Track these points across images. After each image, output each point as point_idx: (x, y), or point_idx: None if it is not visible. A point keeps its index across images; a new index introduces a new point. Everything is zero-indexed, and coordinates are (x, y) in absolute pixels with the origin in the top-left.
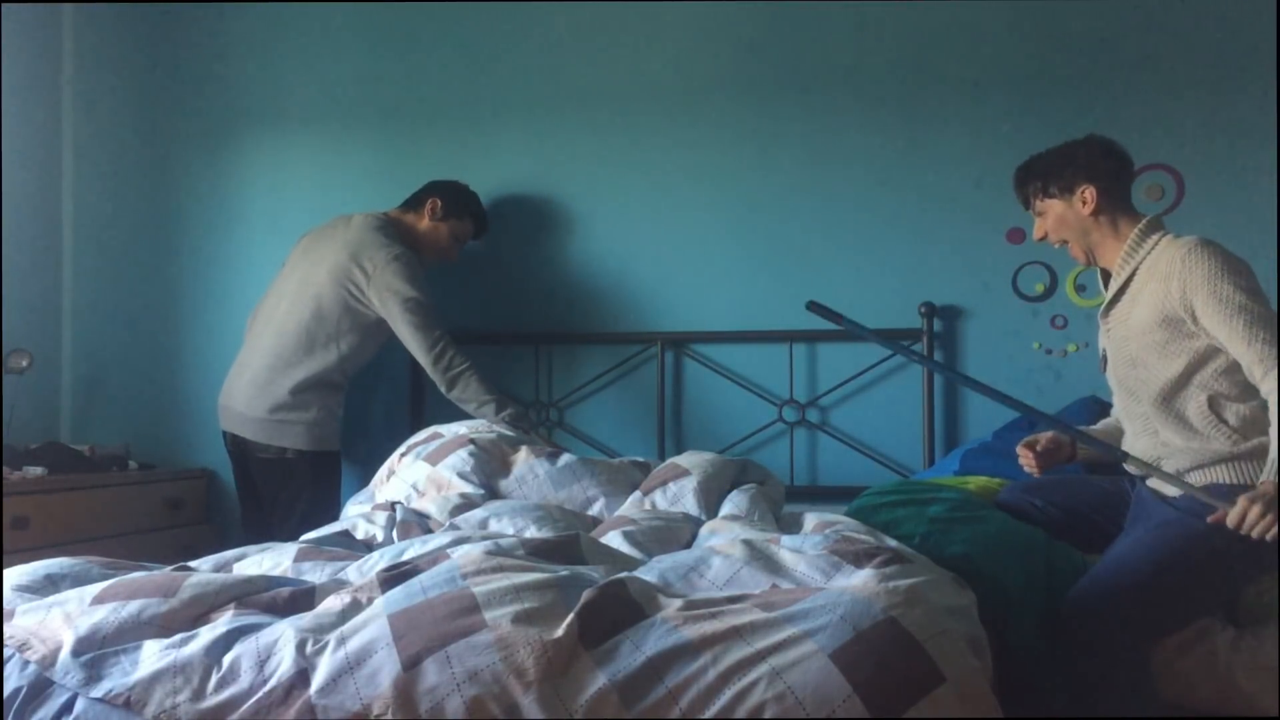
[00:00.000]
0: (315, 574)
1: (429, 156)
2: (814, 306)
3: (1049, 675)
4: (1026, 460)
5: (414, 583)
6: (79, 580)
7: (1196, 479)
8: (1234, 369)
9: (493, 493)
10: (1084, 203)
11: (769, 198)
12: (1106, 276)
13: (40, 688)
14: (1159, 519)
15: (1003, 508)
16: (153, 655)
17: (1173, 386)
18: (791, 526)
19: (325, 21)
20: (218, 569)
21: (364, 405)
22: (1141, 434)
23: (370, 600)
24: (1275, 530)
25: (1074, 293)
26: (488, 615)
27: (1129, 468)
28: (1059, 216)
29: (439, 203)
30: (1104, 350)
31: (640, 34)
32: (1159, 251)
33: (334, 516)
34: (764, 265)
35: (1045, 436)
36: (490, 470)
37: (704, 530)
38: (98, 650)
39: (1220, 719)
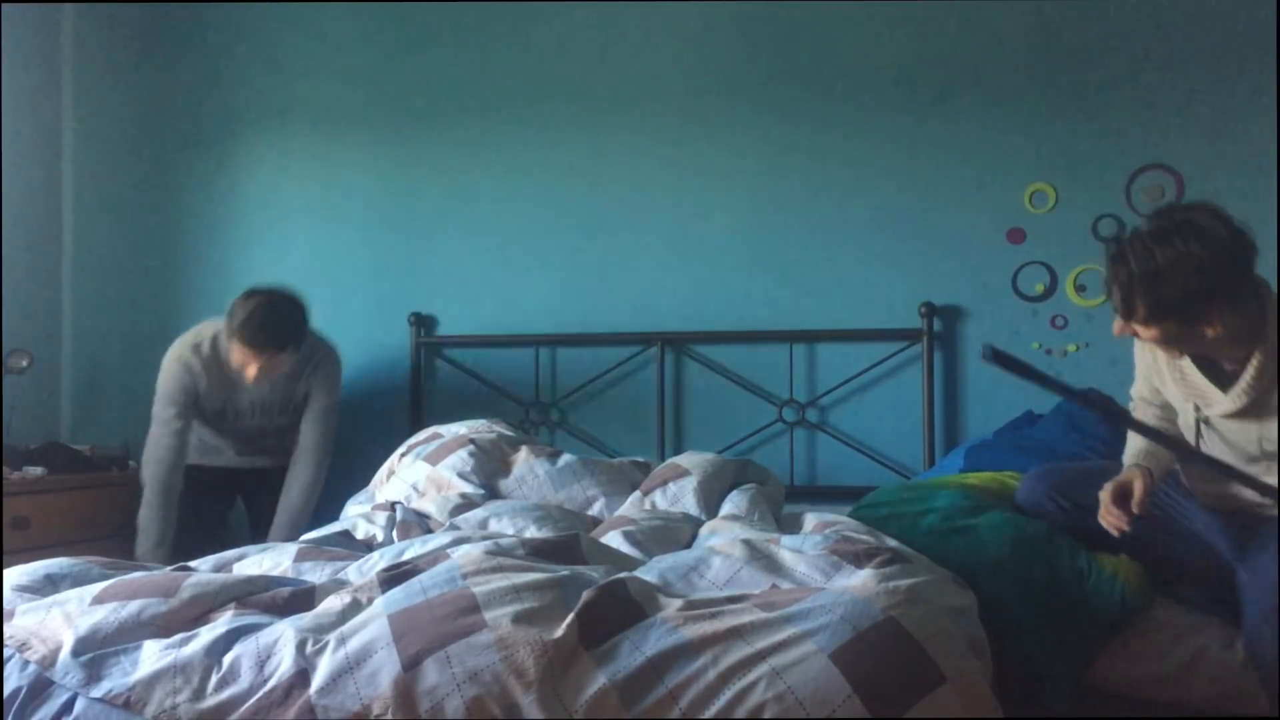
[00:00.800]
0: (315, 574)
1: (430, 156)
2: (994, 355)
3: (1047, 683)
4: (1115, 520)
5: (414, 583)
6: (79, 580)
7: None
8: None
9: (493, 493)
10: (1211, 327)
11: (769, 197)
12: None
13: (40, 688)
14: None
15: (1022, 508)
16: (153, 655)
17: None
18: (791, 526)
19: (326, 21)
20: (218, 569)
21: (364, 405)
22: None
23: (370, 600)
24: None
25: (1074, 293)
26: (488, 615)
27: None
28: (1173, 337)
29: None
30: (1199, 421)
31: (641, 34)
32: None
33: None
34: (764, 265)
35: (1139, 490)
36: (490, 470)
37: (704, 530)
38: (98, 650)
39: (1220, 719)
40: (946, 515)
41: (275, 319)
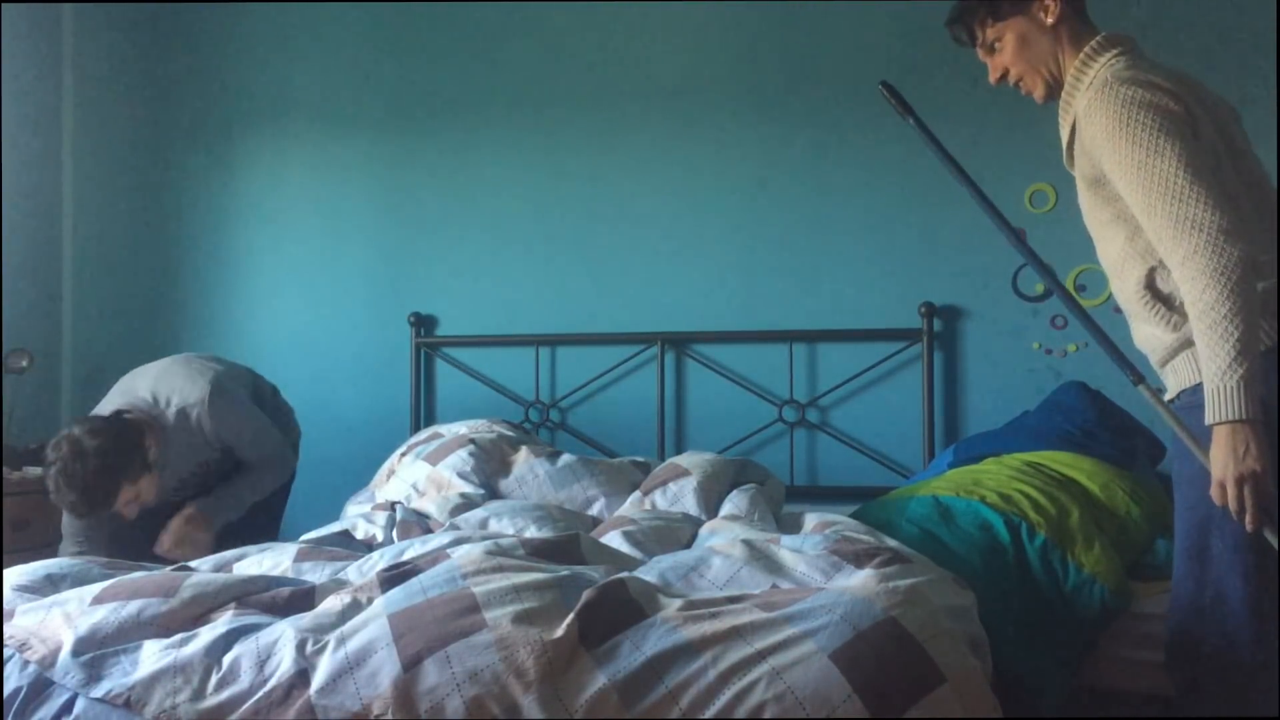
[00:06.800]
0: (315, 574)
1: (429, 156)
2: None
3: (1036, 692)
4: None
5: (414, 583)
6: (79, 580)
7: (1171, 378)
8: None
9: (493, 493)
10: (1045, 11)
11: (769, 197)
12: None
13: (40, 688)
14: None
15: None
16: (153, 655)
17: (1117, 259)
18: (791, 526)
19: (326, 21)
20: (218, 569)
21: (364, 405)
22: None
23: (370, 600)
24: (1254, 518)
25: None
26: (488, 615)
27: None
28: (1021, 37)
29: None
30: None
31: (640, 34)
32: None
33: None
34: (764, 265)
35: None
36: (490, 470)
37: (704, 530)
38: (98, 650)
39: (1220, 718)
40: (919, 525)
41: (70, 482)
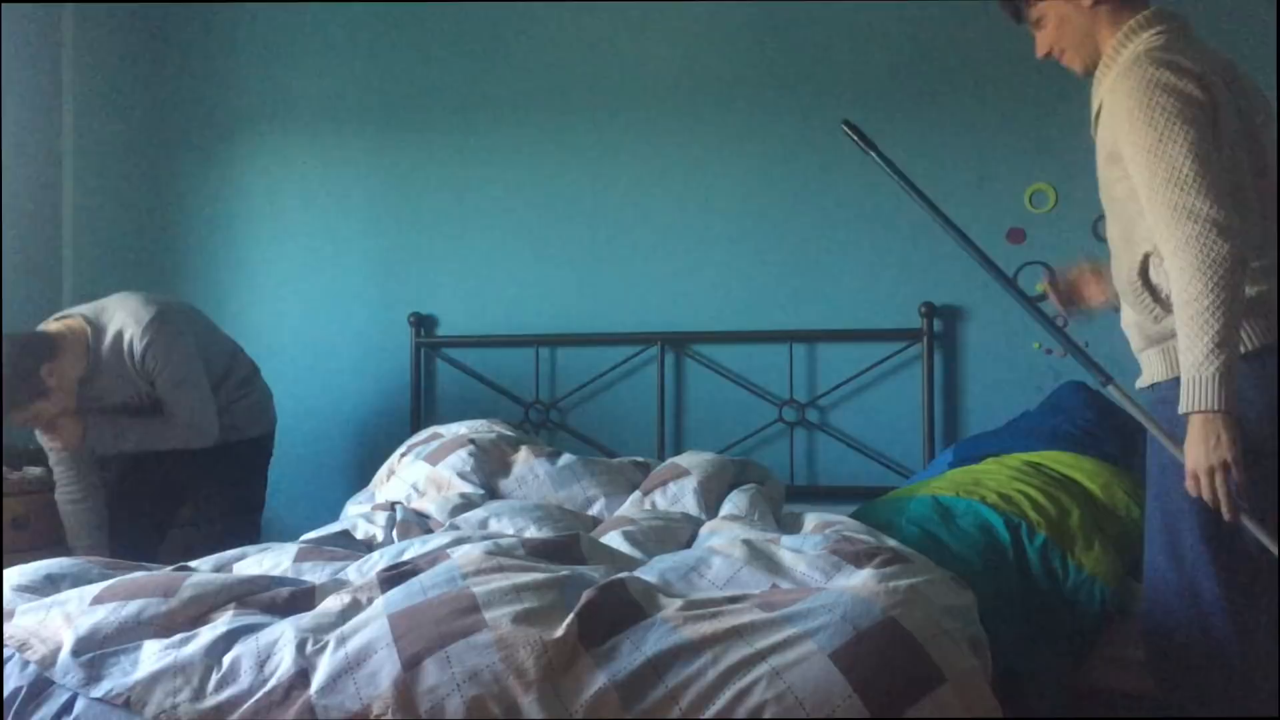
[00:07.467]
0: (315, 574)
1: (430, 156)
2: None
3: (1033, 692)
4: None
5: (414, 583)
6: (79, 580)
7: (1145, 367)
8: None
9: (493, 493)
10: None
11: (769, 197)
12: None
13: (40, 688)
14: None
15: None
16: (153, 655)
17: (1121, 238)
18: (791, 526)
19: (325, 21)
20: (218, 569)
21: (364, 405)
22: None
23: (370, 600)
24: (1229, 508)
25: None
26: (488, 615)
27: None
28: (1061, 17)
29: None
30: None
31: (640, 34)
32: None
33: None
34: (764, 265)
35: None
36: (490, 470)
37: (704, 530)
38: (98, 650)
39: (1221, 719)
40: (919, 525)
41: None
